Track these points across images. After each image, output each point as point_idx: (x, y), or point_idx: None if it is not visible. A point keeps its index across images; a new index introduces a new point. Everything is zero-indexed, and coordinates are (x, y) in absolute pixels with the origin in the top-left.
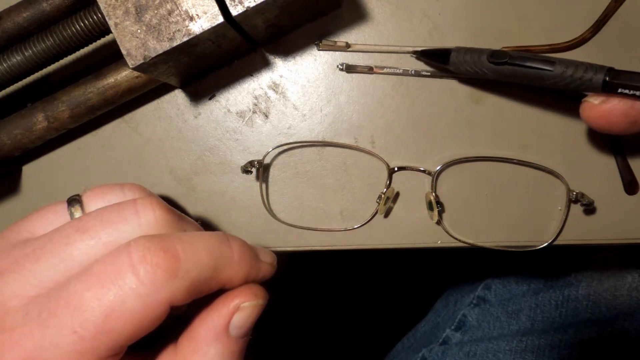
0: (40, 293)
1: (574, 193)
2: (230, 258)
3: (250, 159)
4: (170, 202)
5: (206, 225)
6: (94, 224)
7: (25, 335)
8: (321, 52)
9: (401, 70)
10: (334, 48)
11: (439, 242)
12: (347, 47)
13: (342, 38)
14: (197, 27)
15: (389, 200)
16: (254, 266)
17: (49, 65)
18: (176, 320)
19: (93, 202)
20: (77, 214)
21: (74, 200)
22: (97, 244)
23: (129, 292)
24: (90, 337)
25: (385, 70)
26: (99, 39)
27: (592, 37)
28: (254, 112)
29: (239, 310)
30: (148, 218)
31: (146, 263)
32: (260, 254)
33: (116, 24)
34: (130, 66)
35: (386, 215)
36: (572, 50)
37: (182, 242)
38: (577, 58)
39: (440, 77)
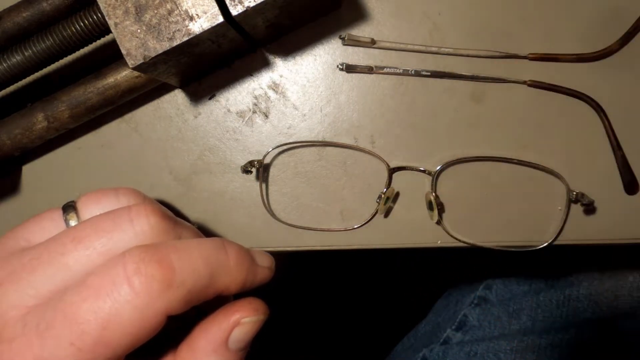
0: (38, 303)
1: (574, 193)
2: (226, 265)
3: (250, 159)
4: (168, 204)
5: (204, 228)
6: (88, 233)
7: (24, 346)
8: (321, 52)
9: (401, 70)
10: (359, 44)
11: (439, 242)
12: (372, 43)
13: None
14: (197, 27)
15: (389, 200)
16: (251, 271)
17: (49, 65)
18: (175, 323)
19: (88, 209)
20: (72, 221)
21: (69, 207)
22: (92, 253)
23: (125, 304)
24: (88, 349)
25: (385, 70)
26: (99, 39)
27: (620, 49)
28: (254, 112)
29: (239, 325)
30: (142, 226)
31: (141, 274)
32: (258, 258)
33: (116, 24)
34: (130, 66)
35: (386, 215)
36: (599, 60)
37: (177, 251)
38: (604, 69)
39: (441, 77)
